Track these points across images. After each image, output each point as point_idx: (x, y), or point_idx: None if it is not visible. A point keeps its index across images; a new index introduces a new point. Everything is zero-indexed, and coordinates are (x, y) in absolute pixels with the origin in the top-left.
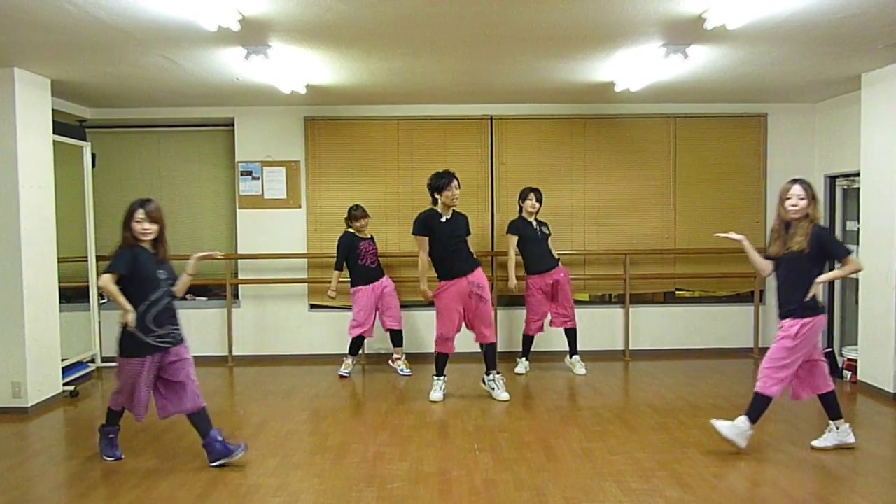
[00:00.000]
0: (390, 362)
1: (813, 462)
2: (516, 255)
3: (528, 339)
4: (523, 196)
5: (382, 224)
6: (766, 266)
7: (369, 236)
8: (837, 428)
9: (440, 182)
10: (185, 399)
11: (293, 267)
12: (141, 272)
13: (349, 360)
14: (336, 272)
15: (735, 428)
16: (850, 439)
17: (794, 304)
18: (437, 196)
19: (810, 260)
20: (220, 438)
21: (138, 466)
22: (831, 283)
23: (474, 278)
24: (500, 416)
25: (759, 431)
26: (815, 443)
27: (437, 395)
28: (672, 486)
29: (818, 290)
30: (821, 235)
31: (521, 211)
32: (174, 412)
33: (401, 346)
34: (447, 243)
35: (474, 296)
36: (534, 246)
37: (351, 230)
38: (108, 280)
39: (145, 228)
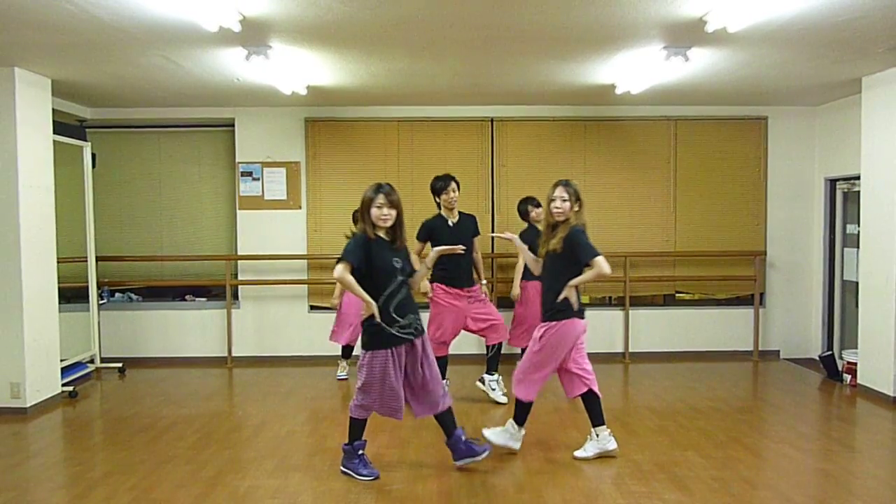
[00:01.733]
0: None
1: (812, 465)
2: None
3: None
4: (524, 211)
5: None
6: (537, 266)
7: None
8: (598, 435)
9: (438, 184)
10: (432, 397)
11: (293, 268)
12: (376, 262)
13: (344, 363)
14: None
15: (505, 433)
16: (612, 446)
17: (548, 307)
18: (437, 199)
19: (564, 262)
20: (464, 438)
21: (137, 467)
22: (831, 286)
23: (467, 293)
24: (499, 418)
25: (758, 434)
26: (577, 453)
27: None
28: (671, 489)
29: (572, 293)
30: (571, 236)
31: (528, 223)
32: (424, 413)
33: None
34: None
35: (475, 302)
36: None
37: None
38: (343, 270)
39: (385, 214)
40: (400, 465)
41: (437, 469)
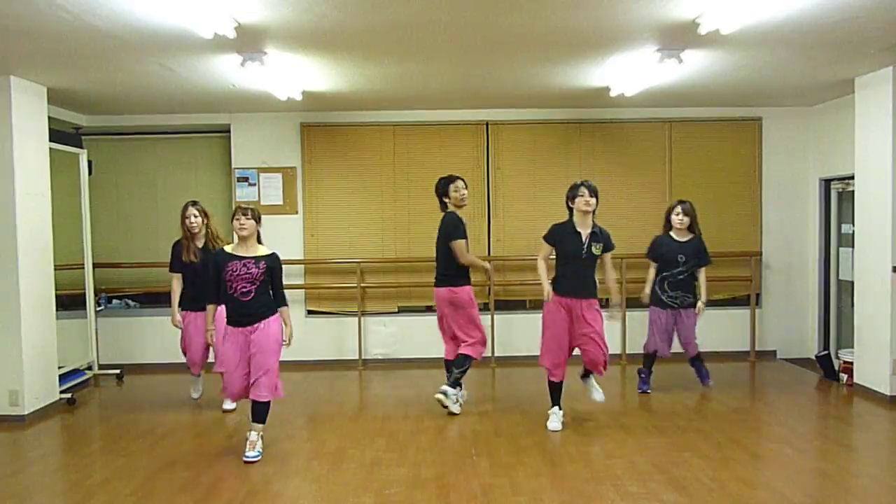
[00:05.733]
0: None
1: (809, 465)
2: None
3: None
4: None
5: (378, 230)
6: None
7: (257, 255)
8: None
9: (441, 182)
10: None
11: (290, 273)
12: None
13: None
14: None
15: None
16: None
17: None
18: (445, 200)
19: None
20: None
21: (136, 473)
22: (827, 286)
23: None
24: (497, 420)
25: (755, 435)
26: None
27: (453, 407)
28: (669, 490)
29: None
30: None
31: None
32: None
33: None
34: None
35: (442, 304)
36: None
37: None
38: None
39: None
40: (398, 469)
41: (435, 472)
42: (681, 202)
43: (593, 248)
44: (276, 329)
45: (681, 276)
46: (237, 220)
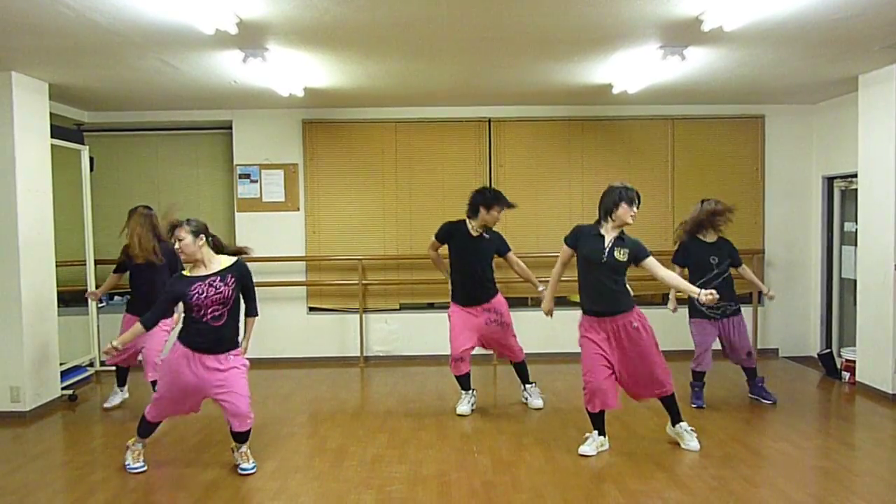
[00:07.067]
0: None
1: (811, 463)
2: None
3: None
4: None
5: (380, 227)
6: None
7: (221, 269)
8: None
9: (489, 199)
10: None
11: (292, 270)
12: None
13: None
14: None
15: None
16: None
17: None
18: (481, 209)
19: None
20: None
21: None
22: (829, 284)
23: (491, 306)
24: (498, 418)
25: (758, 433)
26: None
27: (462, 407)
28: (671, 488)
29: None
30: None
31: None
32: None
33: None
34: (468, 262)
35: (492, 323)
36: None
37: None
38: None
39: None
40: (400, 466)
41: (436, 469)
42: (706, 202)
43: (616, 253)
44: (243, 368)
45: (717, 281)
46: (174, 240)
